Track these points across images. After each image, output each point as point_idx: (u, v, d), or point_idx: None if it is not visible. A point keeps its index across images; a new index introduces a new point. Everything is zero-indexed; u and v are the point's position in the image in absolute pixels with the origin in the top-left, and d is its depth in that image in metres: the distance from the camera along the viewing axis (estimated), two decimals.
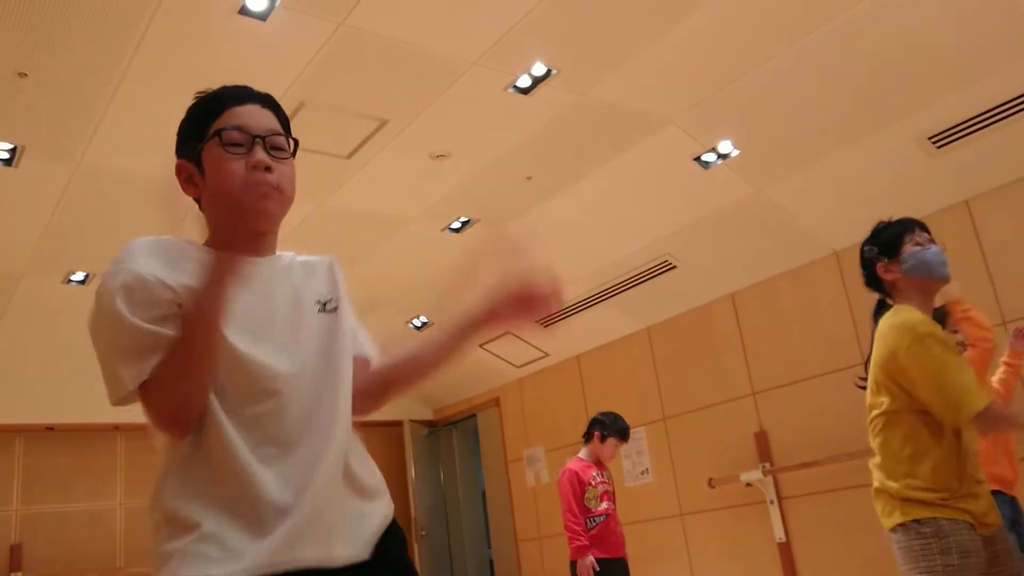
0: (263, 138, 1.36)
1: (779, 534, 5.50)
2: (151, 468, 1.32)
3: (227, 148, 1.34)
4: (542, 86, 4.27)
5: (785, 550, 5.47)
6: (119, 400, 1.24)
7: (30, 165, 4.38)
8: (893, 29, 3.95)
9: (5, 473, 6.66)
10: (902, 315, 2.34)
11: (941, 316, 3.44)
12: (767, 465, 5.57)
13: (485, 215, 5.66)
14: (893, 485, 2.29)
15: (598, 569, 4.25)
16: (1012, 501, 3.43)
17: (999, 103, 4.24)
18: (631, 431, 4.74)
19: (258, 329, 1.30)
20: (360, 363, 1.47)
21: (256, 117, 1.38)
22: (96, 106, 3.99)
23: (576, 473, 4.44)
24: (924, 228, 2.49)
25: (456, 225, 5.75)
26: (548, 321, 1.59)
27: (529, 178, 5.21)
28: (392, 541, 1.38)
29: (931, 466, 2.25)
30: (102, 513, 6.93)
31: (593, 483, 4.43)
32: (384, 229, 5.73)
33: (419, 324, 7.27)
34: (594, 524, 4.36)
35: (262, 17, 3.54)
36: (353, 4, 3.54)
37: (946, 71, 4.16)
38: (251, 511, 1.22)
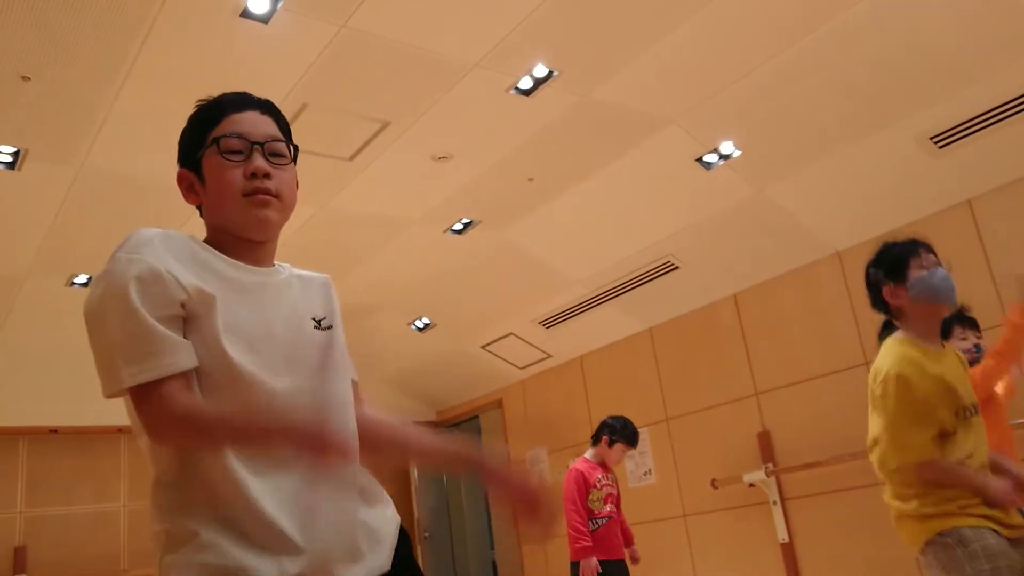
0: (262, 145, 1.34)
1: (782, 535, 5.50)
2: None
3: (225, 156, 1.32)
4: (544, 87, 4.27)
5: (788, 551, 5.47)
6: (112, 394, 1.21)
7: (33, 168, 4.39)
8: (894, 29, 3.95)
9: (9, 475, 6.67)
10: (893, 349, 2.37)
11: (948, 327, 3.44)
12: (770, 466, 5.56)
13: (487, 216, 5.66)
14: (909, 507, 2.30)
15: (600, 571, 4.25)
16: None
17: (1001, 103, 4.23)
18: None
19: (256, 343, 1.27)
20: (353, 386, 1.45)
21: (255, 124, 1.36)
22: (99, 109, 4.00)
23: (582, 473, 4.44)
24: (929, 249, 2.45)
25: (458, 227, 5.75)
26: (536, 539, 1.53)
27: (531, 179, 5.21)
28: (402, 543, 1.39)
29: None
30: (106, 515, 6.94)
31: (598, 485, 4.43)
32: (386, 231, 5.73)
33: (421, 326, 7.28)
34: (596, 526, 4.36)
35: (264, 20, 3.55)
36: (355, 6, 3.54)
37: (947, 70, 4.16)
38: (253, 527, 1.20)
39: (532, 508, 1.39)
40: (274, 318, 1.32)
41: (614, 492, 4.52)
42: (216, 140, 1.33)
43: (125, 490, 7.07)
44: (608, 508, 4.43)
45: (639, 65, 4.18)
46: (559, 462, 7.09)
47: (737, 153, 4.88)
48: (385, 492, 1.41)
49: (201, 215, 1.40)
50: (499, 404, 8.12)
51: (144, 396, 1.18)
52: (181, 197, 1.42)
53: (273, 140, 1.36)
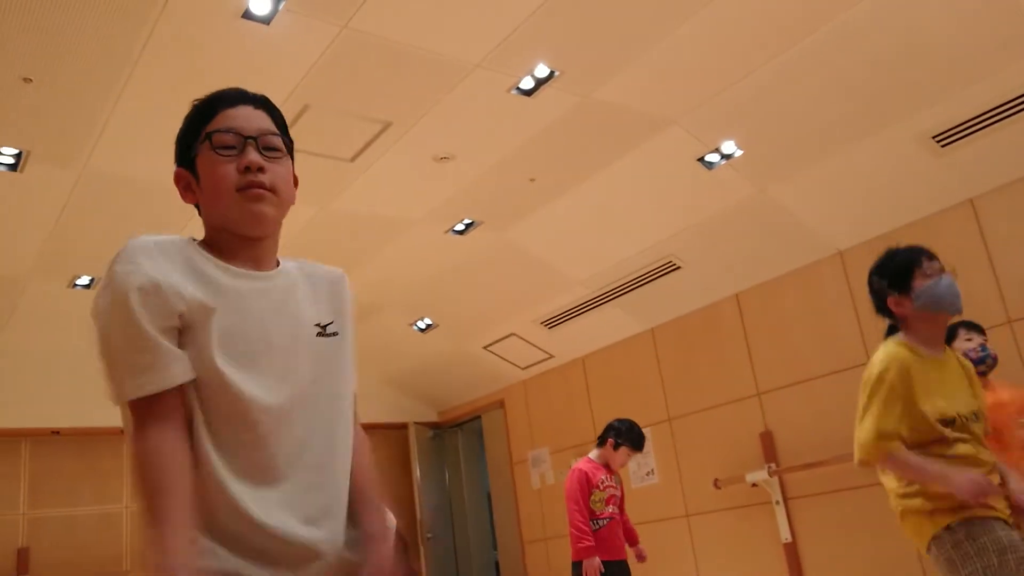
0: (255, 139, 1.31)
1: (785, 534, 5.49)
2: None
3: (218, 151, 1.30)
4: (545, 88, 4.27)
5: (791, 550, 5.46)
6: (117, 403, 1.23)
7: (35, 170, 4.39)
8: (895, 28, 3.95)
9: (11, 477, 6.67)
10: (886, 348, 2.40)
11: (952, 329, 3.43)
12: (773, 465, 5.56)
13: (489, 217, 5.66)
14: (915, 503, 2.29)
15: (603, 571, 4.25)
16: None
17: (1003, 101, 4.23)
18: None
19: (253, 357, 1.25)
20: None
21: (249, 118, 1.33)
22: (101, 111, 4.00)
23: (586, 473, 4.44)
24: (932, 256, 2.45)
25: (460, 227, 5.75)
26: None
27: (533, 180, 5.21)
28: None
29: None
30: (109, 516, 6.94)
31: (601, 486, 4.43)
32: (388, 231, 5.73)
33: (423, 326, 7.28)
34: (598, 527, 4.36)
35: (266, 21, 3.55)
36: (356, 7, 3.54)
37: (948, 70, 4.15)
38: (247, 535, 1.20)
39: None
40: (273, 328, 1.29)
41: (617, 494, 4.52)
42: (209, 136, 1.31)
43: (127, 491, 7.07)
44: (610, 509, 4.43)
45: (640, 65, 4.18)
46: (561, 462, 7.10)
47: (739, 153, 4.87)
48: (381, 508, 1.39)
49: (200, 214, 1.38)
50: (501, 404, 8.12)
51: (134, 409, 1.20)
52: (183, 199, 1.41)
53: (267, 134, 1.33)
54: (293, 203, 1.38)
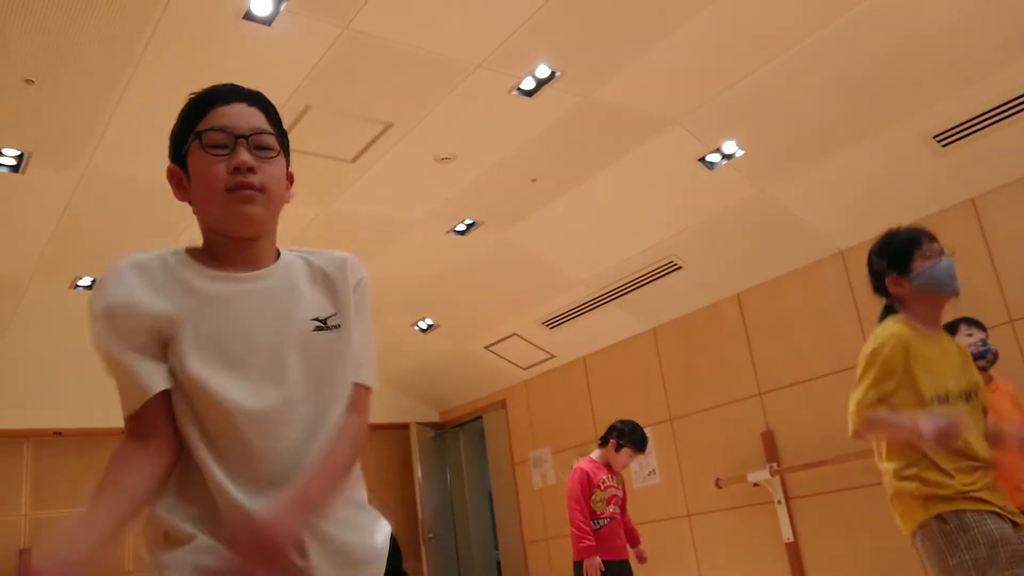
0: (246, 138, 1.28)
1: (787, 534, 5.49)
2: None
3: (208, 150, 1.28)
4: (546, 88, 4.27)
5: (793, 550, 5.46)
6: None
7: (37, 171, 4.39)
8: (895, 29, 3.95)
9: (13, 478, 6.68)
10: (886, 326, 2.41)
11: (954, 324, 3.43)
12: (774, 465, 5.56)
13: (490, 217, 5.66)
14: (910, 486, 2.28)
15: (604, 570, 4.25)
16: None
17: (1004, 101, 4.23)
18: None
19: (236, 360, 1.24)
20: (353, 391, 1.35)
21: (241, 116, 1.30)
22: (102, 112, 4.01)
23: (587, 473, 4.44)
24: (932, 238, 2.47)
25: (461, 227, 5.75)
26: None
27: (534, 180, 5.21)
28: (392, 558, 1.38)
29: (941, 457, 2.25)
30: None
31: (602, 486, 4.43)
32: (389, 232, 5.74)
33: (424, 326, 7.28)
34: (598, 527, 4.36)
35: (267, 22, 3.56)
36: (358, 8, 3.55)
37: (949, 70, 4.15)
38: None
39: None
40: (256, 328, 1.26)
41: (618, 494, 4.52)
42: (200, 134, 1.28)
43: None
44: (611, 509, 4.43)
45: (641, 65, 4.18)
46: (563, 462, 7.10)
47: (740, 153, 4.88)
48: (374, 513, 1.38)
49: (194, 212, 1.35)
50: (502, 404, 8.12)
51: (124, 424, 1.25)
52: None
53: (259, 133, 1.30)
54: (287, 202, 1.35)
